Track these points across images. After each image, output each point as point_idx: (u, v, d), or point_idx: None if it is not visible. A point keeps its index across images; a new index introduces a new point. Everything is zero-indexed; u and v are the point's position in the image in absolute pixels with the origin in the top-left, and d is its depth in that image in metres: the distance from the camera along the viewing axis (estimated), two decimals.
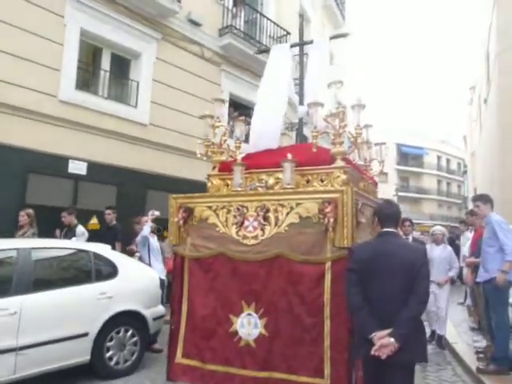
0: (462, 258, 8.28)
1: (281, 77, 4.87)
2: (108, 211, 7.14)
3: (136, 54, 8.84)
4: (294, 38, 11.83)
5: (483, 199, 5.18)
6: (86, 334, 4.40)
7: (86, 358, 4.42)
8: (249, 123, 4.84)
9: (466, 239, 8.83)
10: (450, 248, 6.54)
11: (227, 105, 10.78)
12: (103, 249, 5.07)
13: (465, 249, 8.64)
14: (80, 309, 4.38)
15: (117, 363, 4.70)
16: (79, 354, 4.37)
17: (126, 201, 8.29)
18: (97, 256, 4.84)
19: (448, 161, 49.18)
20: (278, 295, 3.62)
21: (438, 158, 47.52)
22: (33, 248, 4.37)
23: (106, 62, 8.49)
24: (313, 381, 3.40)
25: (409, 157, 45.16)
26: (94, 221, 7.62)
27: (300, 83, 5.38)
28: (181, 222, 4.01)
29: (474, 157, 30.82)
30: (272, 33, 11.89)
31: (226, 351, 3.72)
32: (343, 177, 3.74)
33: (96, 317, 4.49)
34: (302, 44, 5.54)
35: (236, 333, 3.71)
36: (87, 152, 7.72)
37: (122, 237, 7.03)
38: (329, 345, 3.38)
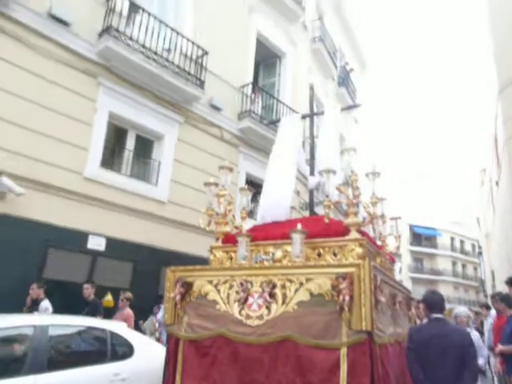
0: (487, 345, 7.89)
1: (291, 148, 4.80)
2: (86, 285, 6.81)
3: (159, 136, 9.31)
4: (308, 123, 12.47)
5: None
6: None
7: None
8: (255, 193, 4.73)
9: (489, 325, 8.47)
10: (476, 333, 6.20)
11: (244, 183, 11.12)
12: (120, 327, 4.99)
13: (487, 334, 8.29)
14: None
15: None
16: None
17: (140, 277, 8.27)
18: (113, 335, 4.75)
19: (462, 242, 48.54)
20: None
21: (452, 239, 46.98)
22: (50, 325, 4.32)
23: (130, 143, 8.93)
24: None
25: (422, 237, 44.74)
26: (109, 298, 7.52)
27: (311, 154, 5.35)
28: (177, 297, 3.67)
29: (489, 238, 30.46)
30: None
31: None
32: (359, 250, 3.47)
33: None
34: (312, 115, 5.47)
35: None
36: (107, 228, 7.86)
37: (104, 312, 6.71)
38: None
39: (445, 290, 42.42)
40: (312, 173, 5.09)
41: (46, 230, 6.99)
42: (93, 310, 6.49)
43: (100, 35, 8.17)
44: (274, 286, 3.39)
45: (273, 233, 3.99)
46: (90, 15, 8.15)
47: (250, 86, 11.56)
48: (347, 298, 2.99)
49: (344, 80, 18.60)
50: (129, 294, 7.17)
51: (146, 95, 8.97)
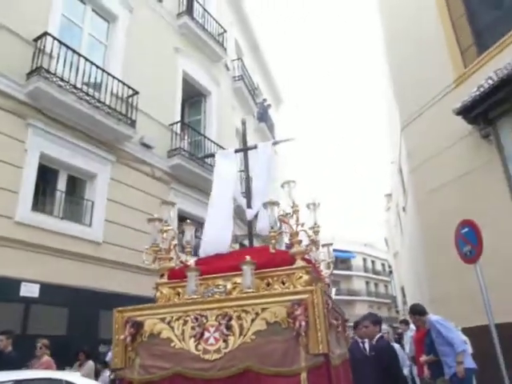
0: (409, 356, 8.77)
1: (228, 182, 4.85)
2: (0, 337, 6.22)
3: (92, 175, 9.22)
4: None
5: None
6: None
7: None
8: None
9: (408, 338, 9.42)
10: (397, 346, 7.02)
11: (176, 219, 11.26)
12: (74, 377, 4.90)
13: (407, 347, 9.23)
14: None
15: None
16: None
17: (77, 322, 7.98)
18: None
19: (373, 262, 52.00)
20: None
21: (364, 260, 50.15)
22: (12, 381, 4.16)
23: (62, 183, 8.73)
24: None
25: (338, 260, 47.22)
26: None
27: (246, 187, 5.36)
28: (128, 339, 3.43)
29: (397, 257, 33.19)
30: (214, 152, 12.97)
31: None
32: (306, 277, 3.53)
33: None
34: (246, 149, 5.49)
35: None
36: (41, 273, 7.55)
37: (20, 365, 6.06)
38: None
39: (361, 309, 44.89)
40: (249, 205, 5.04)
41: None
42: (8, 365, 5.54)
43: (29, 76, 8.04)
44: (230, 318, 3.31)
45: (219, 265, 3.92)
46: (17, 56, 8.01)
47: (179, 125, 11.89)
48: (303, 323, 3.03)
49: (263, 115, 19.65)
50: (46, 341, 6.71)
51: (78, 135, 8.89)
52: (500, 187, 9.10)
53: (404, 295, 31.11)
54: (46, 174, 8.42)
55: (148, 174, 10.62)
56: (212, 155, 6.70)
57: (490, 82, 9.10)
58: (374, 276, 50.28)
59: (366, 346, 5.62)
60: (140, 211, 9.95)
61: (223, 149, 13.16)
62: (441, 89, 11.20)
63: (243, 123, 6.39)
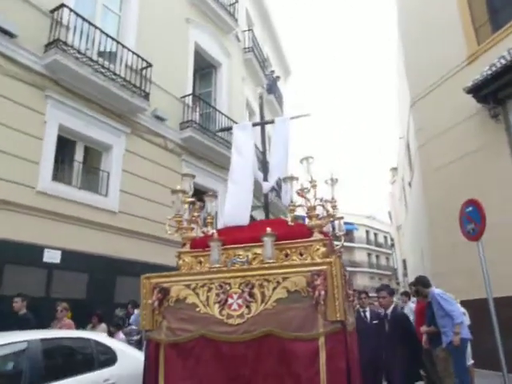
0: None
1: (246, 155, 4.93)
2: (16, 299, 6.38)
3: (107, 147, 9.45)
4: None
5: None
6: None
7: None
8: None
9: (409, 310, 9.82)
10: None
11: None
12: (101, 336, 5.30)
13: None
14: None
15: None
16: None
17: (96, 287, 8.42)
18: (97, 343, 5.07)
19: (376, 235, 52.55)
20: (269, 378, 3.32)
21: (367, 232, 50.68)
22: (42, 339, 4.55)
23: (79, 154, 8.99)
24: None
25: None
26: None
27: (263, 161, 5.42)
28: (156, 303, 3.66)
29: (400, 231, 33.65)
30: (225, 124, 13.09)
31: None
32: (323, 249, 3.68)
33: None
34: (263, 123, 5.50)
35: None
36: (61, 240, 7.91)
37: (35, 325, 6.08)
38: None
39: (362, 280, 45.80)
40: (265, 179, 5.17)
41: (1, 247, 6.93)
42: (23, 326, 5.63)
43: (46, 48, 8.17)
44: (253, 286, 3.50)
45: (239, 236, 4.06)
46: (35, 27, 8.11)
47: (191, 97, 12.00)
48: (322, 292, 3.22)
49: (271, 87, 19.59)
50: (65, 304, 6.92)
51: (93, 107, 9.07)
52: (506, 166, 9.29)
53: (405, 268, 31.71)
54: (64, 145, 8.66)
55: (161, 145, 10.83)
56: (229, 128, 6.76)
57: (503, 61, 9.16)
58: (376, 248, 50.91)
59: (368, 314, 5.98)
60: (153, 182, 10.25)
61: (233, 121, 13.29)
62: (453, 66, 11.21)
63: (260, 97, 6.37)
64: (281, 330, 3.31)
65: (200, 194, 13.03)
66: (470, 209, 6.18)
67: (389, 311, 5.25)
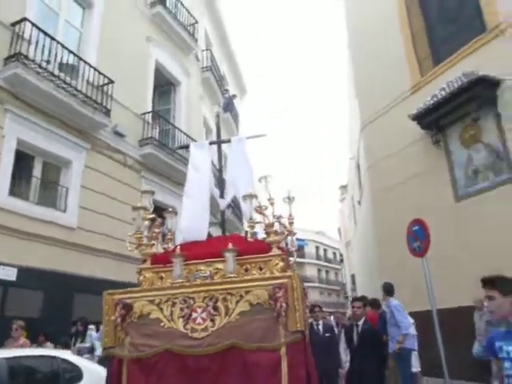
0: None
1: (203, 172, 5.05)
2: None
3: (67, 162, 9.37)
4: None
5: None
6: None
7: None
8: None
9: None
10: None
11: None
12: (66, 354, 5.31)
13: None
14: None
15: None
16: None
17: (52, 305, 8.25)
18: (63, 361, 5.08)
19: (325, 250, 53.95)
20: None
21: (317, 248, 51.95)
22: (6, 358, 4.53)
23: (37, 169, 8.86)
24: None
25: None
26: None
27: (219, 178, 5.49)
28: (118, 320, 3.65)
29: (349, 247, 34.88)
30: (183, 142, 13.26)
31: None
32: (281, 264, 3.85)
33: None
34: (220, 142, 5.65)
35: None
36: (17, 257, 7.74)
37: None
38: None
39: (312, 295, 46.68)
40: (222, 196, 5.26)
41: None
42: None
43: (6, 61, 8.08)
44: (217, 300, 3.59)
45: (201, 252, 4.18)
46: None
47: (151, 114, 12.14)
48: (284, 304, 3.35)
49: (228, 106, 20.02)
50: (21, 323, 6.77)
51: (54, 122, 9.01)
52: (446, 189, 10.16)
53: (354, 282, 32.81)
54: (22, 160, 8.52)
55: (120, 161, 10.85)
56: (187, 146, 6.95)
57: (443, 93, 10.08)
58: (325, 264, 52.22)
59: (320, 327, 6.35)
60: (112, 198, 10.24)
61: (191, 139, 13.53)
62: (399, 93, 12.14)
63: (217, 116, 6.65)
64: (244, 341, 3.42)
65: (159, 210, 13.00)
66: (416, 228, 6.79)
67: (360, 323, 5.40)
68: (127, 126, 11.11)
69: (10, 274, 7.58)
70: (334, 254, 54.18)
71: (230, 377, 3.39)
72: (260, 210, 4.11)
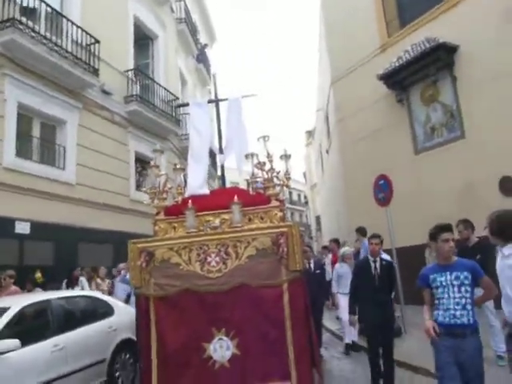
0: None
1: (203, 131, 5.39)
2: None
3: (61, 122, 9.91)
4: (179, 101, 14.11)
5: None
6: (103, 360, 5.70)
7: (104, 379, 5.70)
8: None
9: (329, 260, 11.92)
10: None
11: (133, 160, 12.36)
12: (98, 294, 6.41)
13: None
14: (99, 340, 5.67)
15: (123, 381, 6.02)
16: (100, 376, 5.62)
17: (61, 254, 9.20)
18: (98, 299, 6.18)
19: (290, 193, 55.93)
20: (244, 318, 3.99)
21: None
22: (59, 297, 5.57)
23: (36, 130, 9.39)
24: None
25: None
26: (38, 274, 8.37)
27: (218, 135, 5.83)
28: (143, 264, 4.17)
29: (314, 189, 36.71)
30: (163, 96, 13.80)
31: (203, 376, 3.94)
32: (280, 214, 4.34)
33: (108, 346, 5.80)
34: (217, 101, 5.95)
35: (210, 358, 3.97)
36: (29, 213, 8.52)
37: None
38: (293, 352, 3.89)
39: None
40: (221, 151, 5.67)
41: None
42: None
43: (1, 26, 8.35)
44: (228, 246, 4.13)
45: (208, 204, 4.52)
46: None
47: (133, 71, 12.53)
48: (285, 249, 3.97)
49: (200, 56, 20.22)
50: (11, 272, 6.98)
51: (48, 84, 9.44)
52: (407, 143, 11.48)
53: (318, 223, 34.99)
54: (22, 122, 9.02)
55: (108, 119, 11.41)
56: (186, 104, 7.52)
57: (407, 55, 11.11)
58: (290, 206, 54.37)
59: (312, 265, 7.46)
60: (104, 154, 10.95)
61: (170, 93, 14.09)
62: (368, 52, 13.04)
63: (214, 76, 7.00)
64: (252, 280, 4.00)
65: (144, 163, 13.79)
66: (382, 182, 8.07)
67: (378, 258, 5.09)
68: (113, 83, 11.55)
69: (25, 228, 8.40)
70: (299, 195, 56.29)
71: (242, 309, 4.01)
72: (260, 166, 4.62)
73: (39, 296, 5.53)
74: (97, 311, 6.05)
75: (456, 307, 3.19)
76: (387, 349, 4.83)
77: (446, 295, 3.25)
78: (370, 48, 12.92)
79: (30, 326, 5.12)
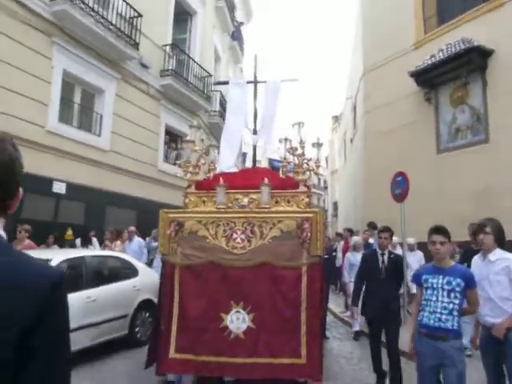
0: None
1: (239, 110, 5.56)
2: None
3: (100, 91, 10.45)
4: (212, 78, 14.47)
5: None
6: (126, 315, 6.34)
7: (126, 332, 6.35)
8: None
9: (340, 247, 12.34)
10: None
11: (164, 132, 12.88)
12: (126, 256, 7.02)
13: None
14: (124, 297, 6.31)
15: (141, 336, 6.68)
16: (122, 328, 6.29)
17: (90, 214, 9.88)
18: (125, 261, 6.79)
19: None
20: (263, 295, 4.15)
21: None
22: (92, 256, 6.19)
23: (77, 97, 9.96)
24: (292, 361, 4.01)
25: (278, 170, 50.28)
26: (69, 232, 9.06)
27: (254, 116, 5.90)
28: (172, 234, 4.34)
29: (334, 176, 36.85)
30: (197, 72, 14.18)
31: (218, 344, 4.12)
32: (306, 200, 4.46)
33: (131, 303, 6.44)
34: (256, 82, 6.05)
35: (226, 327, 4.16)
36: (65, 174, 9.14)
37: None
38: (305, 332, 4.05)
39: None
40: (255, 132, 5.78)
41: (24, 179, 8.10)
42: None
43: None
44: (254, 225, 4.27)
45: (238, 183, 4.65)
46: None
47: (170, 46, 12.92)
48: (309, 234, 4.10)
49: (235, 33, 20.39)
50: (27, 227, 6.98)
51: (91, 54, 9.94)
52: (430, 142, 11.66)
53: (335, 209, 35.25)
54: (65, 89, 9.58)
55: (144, 91, 11.90)
56: (226, 82, 7.77)
57: (441, 54, 11.20)
58: None
59: None
60: (137, 125, 11.49)
61: (205, 70, 14.45)
62: (402, 47, 13.08)
63: (255, 59, 7.16)
64: (274, 259, 4.17)
65: (174, 135, 14.35)
66: (399, 178, 8.37)
67: (386, 252, 4.98)
68: (150, 57, 11.98)
69: (61, 188, 9.04)
70: (319, 179, 56.32)
71: (261, 286, 4.19)
72: (292, 151, 4.70)
73: (75, 252, 6.17)
74: (124, 271, 6.67)
75: (443, 311, 3.15)
76: (391, 342, 4.78)
77: (435, 298, 3.21)
78: (405, 43, 12.96)
79: (68, 278, 5.75)
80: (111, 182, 10.46)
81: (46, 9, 8.72)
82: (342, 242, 12.32)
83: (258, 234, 4.25)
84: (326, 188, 46.76)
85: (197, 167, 4.84)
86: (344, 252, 10.51)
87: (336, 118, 38.52)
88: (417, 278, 3.46)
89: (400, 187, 8.38)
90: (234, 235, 4.29)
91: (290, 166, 5.05)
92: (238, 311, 4.16)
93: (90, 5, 9.44)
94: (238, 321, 4.14)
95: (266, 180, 4.31)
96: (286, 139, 4.92)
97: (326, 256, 7.50)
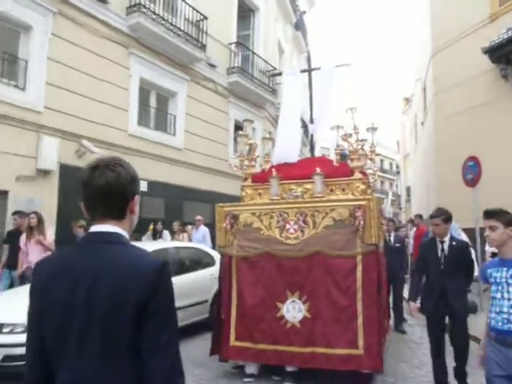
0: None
1: (295, 100, 5.54)
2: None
3: (173, 93, 11.20)
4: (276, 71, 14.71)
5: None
6: (207, 301, 6.94)
7: (206, 315, 6.95)
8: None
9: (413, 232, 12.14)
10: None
11: (233, 127, 13.45)
12: (204, 247, 7.66)
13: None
14: (205, 283, 6.90)
15: None
16: (203, 313, 6.90)
17: (170, 209, 10.71)
18: (203, 251, 7.41)
19: (382, 161, 54.48)
20: (318, 284, 4.19)
21: None
22: (174, 247, 6.86)
23: (153, 101, 10.79)
24: (348, 352, 3.99)
25: (347, 158, 49.49)
26: (151, 227, 9.90)
27: (310, 105, 5.81)
28: (228, 227, 4.49)
29: (407, 160, 35.61)
30: (262, 67, 14.55)
31: (275, 333, 4.23)
32: (362, 187, 4.45)
33: (210, 289, 7.01)
34: (310, 70, 5.97)
35: (283, 317, 4.25)
36: (146, 173, 9.97)
37: None
38: (362, 322, 4.00)
39: None
40: (311, 121, 5.72)
41: None
42: None
43: (128, 10, 9.59)
44: (306, 215, 4.30)
45: (293, 173, 4.71)
46: None
47: (235, 44, 13.40)
48: (362, 222, 4.05)
49: (298, 23, 20.41)
50: (82, 223, 7.01)
51: (163, 59, 10.68)
52: (508, 122, 11.04)
53: (408, 194, 34.14)
54: (142, 94, 10.42)
55: (212, 89, 12.51)
56: (280, 73, 8.02)
57: None
58: (381, 174, 53.08)
59: (392, 238, 7.71)
60: (208, 123, 12.15)
61: (270, 65, 14.77)
62: (474, 23, 12.40)
63: (308, 50, 7.51)
64: (328, 249, 4.18)
65: (241, 130, 14.85)
66: (471, 163, 8.16)
67: (446, 239, 4.10)
68: (217, 56, 12.54)
69: (143, 186, 9.90)
70: (391, 164, 54.66)
71: (315, 275, 4.24)
72: (345, 138, 4.72)
73: (160, 244, 6.87)
74: (202, 261, 7.29)
75: (511, 310, 2.60)
76: (459, 350, 4.02)
77: (500, 295, 2.67)
78: (478, 17, 12.27)
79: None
80: (186, 178, 11.22)
81: (122, 23, 9.54)
82: (414, 229, 12.20)
83: (310, 224, 4.30)
84: (398, 173, 45.28)
85: (252, 160, 4.95)
86: (416, 239, 10.40)
87: (407, 100, 37.09)
88: (482, 274, 2.94)
89: (472, 172, 8.18)
90: (287, 226, 4.37)
91: (345, 151, 5.03)
92: (293, 300, 4.25)
93: (160, 14, 10.13)
94: (294, 310, 4.23)
95: (319, 169, 4.37)
96: (338, 126, 4.86)
97: (398, 245, 7.48)
